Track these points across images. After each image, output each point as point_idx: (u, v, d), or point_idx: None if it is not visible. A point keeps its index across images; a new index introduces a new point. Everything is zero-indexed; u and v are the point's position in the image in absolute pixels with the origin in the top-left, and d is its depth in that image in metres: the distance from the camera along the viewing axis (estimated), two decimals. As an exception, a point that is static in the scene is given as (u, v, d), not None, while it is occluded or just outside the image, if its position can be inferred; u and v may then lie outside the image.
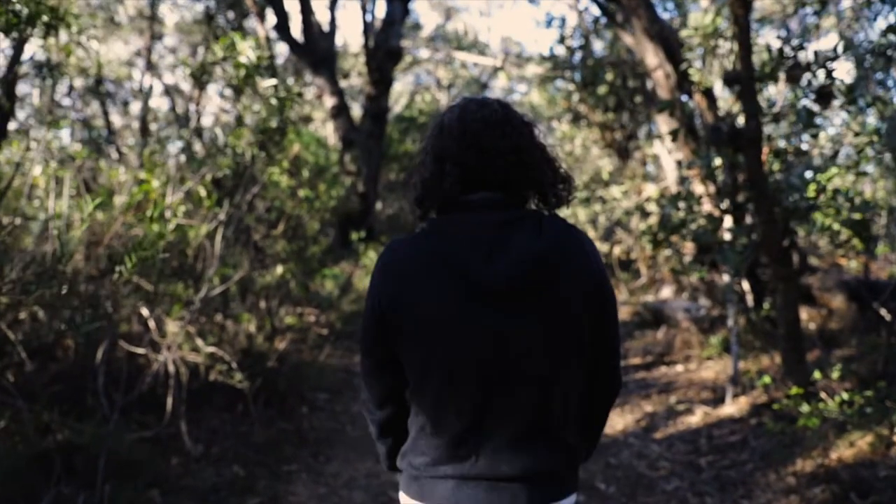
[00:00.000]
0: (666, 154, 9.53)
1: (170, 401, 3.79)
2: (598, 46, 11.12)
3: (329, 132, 15.54)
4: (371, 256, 10.15)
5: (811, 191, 4.42)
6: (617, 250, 10.76)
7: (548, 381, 1.36)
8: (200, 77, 4.56)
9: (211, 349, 3.86)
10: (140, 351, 3.81)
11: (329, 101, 12.74)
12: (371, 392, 1.48)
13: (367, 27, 13.17)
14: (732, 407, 4.93)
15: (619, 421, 4.98)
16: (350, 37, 30.64)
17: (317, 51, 12.67)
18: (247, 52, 4.20)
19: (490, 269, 1.31)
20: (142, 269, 4.95)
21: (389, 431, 1.51)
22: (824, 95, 3.81)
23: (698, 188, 6.42)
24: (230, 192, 4.47)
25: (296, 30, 12.61)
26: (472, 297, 1.32)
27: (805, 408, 3.33)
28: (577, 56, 10.92)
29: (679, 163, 9.54)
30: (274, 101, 4.71)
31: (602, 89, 10.51)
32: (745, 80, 4.11)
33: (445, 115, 1.45)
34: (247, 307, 5.30)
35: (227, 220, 5.36)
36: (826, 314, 7.17)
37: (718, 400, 5.14)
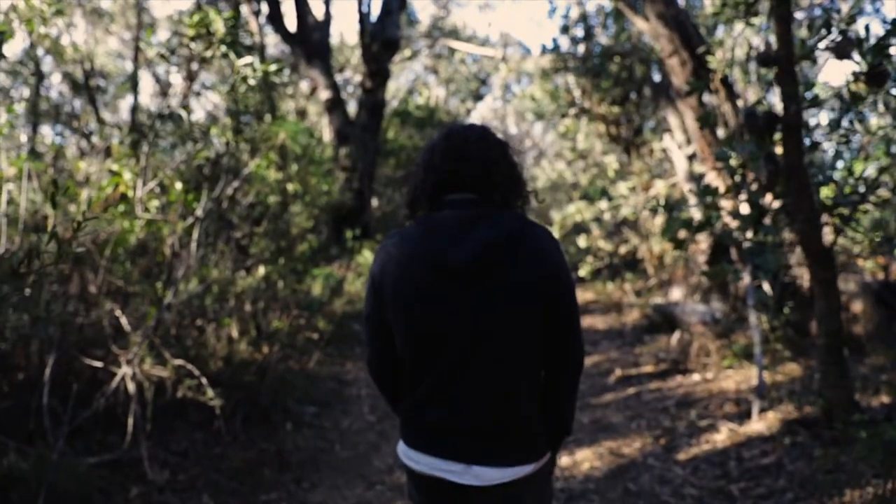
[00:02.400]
0: (676, 149, 9.09)
1: (131, 421, 3.32)
2: (603, 38, 10.66)
3: (324, 127, 15.05)
4: (366, 255, 9.68)
5: (850, 184, 3.97)
6: (623, 249, 10.30)
7: (501, 349, 1.59)
8: (170, 58, 4.09)
9: (179, 362, 3.38)
10: (97, 364, 3.33)
11: (324, 95, 12.25)
12: (371, 351, 1.75)
13: (364, 17, 12.68)
14: (760, 423, 4.47)
15: (635, 438, 4.52)
16: (347, 29, 30.17)
17: (311, 42, 12.18)
18: (219, 27, 3.73)
19: (452, 253, 1.58)
20: (110, 269, 4.51)
21: (386, 386, 1.77)
22: (877, 76, 3.36)
23: (717, 183, 5.97)
24: (206, 183, 3.99)
25: (290, 20, 12.14)
26: (438, 275, 1.58)
27: (863, 434, 2.87)
28: (582, 47, 10.47)
29: (691, 157, 9.10)
30: (252, 81, 4.24)
31: (606, 82, 10.05)
32: (783, 60, 3.65)
33: (435, 136, 1.76)
34: (227, 311, 4.83)
35: (206, 216, 4.89)
36: (850, 319, 6.71)
37: (744, 415, 4.68)
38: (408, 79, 22.03)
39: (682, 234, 4.56)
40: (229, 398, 4.02)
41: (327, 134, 12.82)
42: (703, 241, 7.56)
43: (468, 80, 21.55)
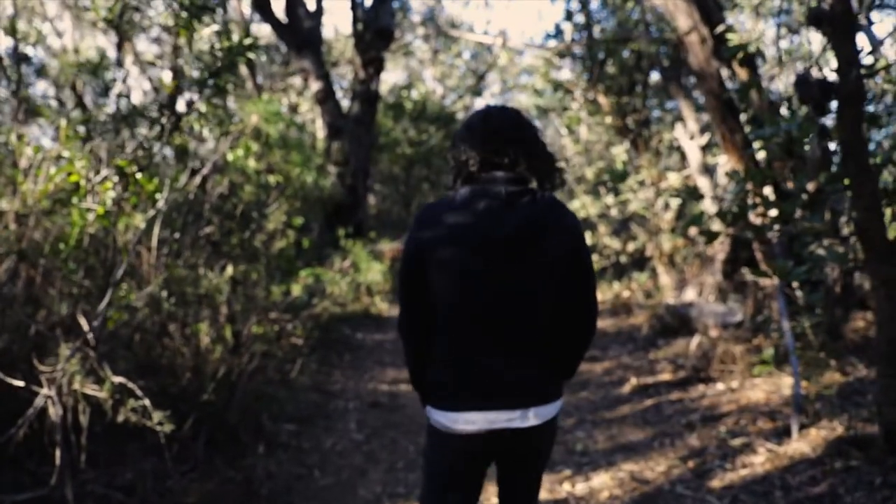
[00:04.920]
0: (688, 139, 8.52)
1: (59, 452, 2.74)
2: (610, 22, 10.09)
3: (316, 121, 14.46)
4: (360, 255, 9.11)
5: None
6: (631, 247, 9.72)
7: (539, 305, 1.87)
8: (119, 25, 3.52)
9: (119, 379, 2.80)
10: (18, 383, 2.75)
11: (315, 86, 11.67)
12: (406, 314, 1.97)
13: (356, 5, 12.11)
14: (803, 442, 3.91)
15: (659, 460, 3.95)
16: (342, 23, 29.56)
17: (301, 31, 11.59)
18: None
19: (497, 224, 1.83)
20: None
21: (417, 348, 1.98)
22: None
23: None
24: (147, 168, 3.42)
25: (279, 8, 11.56)
26: (484, 244, 1.83)
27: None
28: (585, 34, 9.90)
29: (704, 148, 8.53)
30: (219, 53, 3.67)
31: (613, 68, 9.48)
32: (840, 18, 3.09)
33: (473, 117, 1.99)
34: (194, 314, 4.24)
35: (174, 209, 4.33)
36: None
37: (781, 432, 4.11)
38: (404, 75, 21.43)
39: (716, 226, 4.00)
40: (187, 416, 3.45)
41: (320, 132, 12.24)
42: (721, 238, 6.99)
43: (465, 76, 20.96)
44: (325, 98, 11.65)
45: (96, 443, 3.30)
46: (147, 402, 2.76)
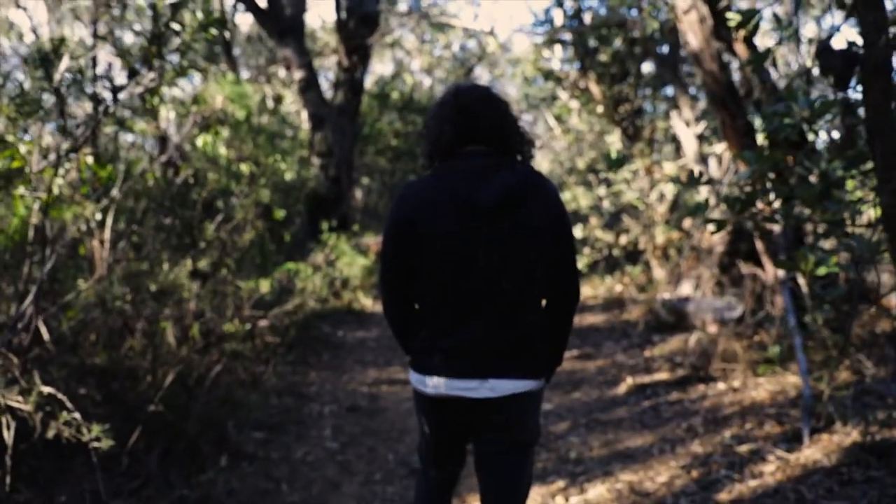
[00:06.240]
0: (684, 127, 8.21)
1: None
2: (601, 10, 9.74)
3: (304, 116, 14.04)
4: (344, 249, 8.74)
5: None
6: (623, 240, 9.40)
7: (518, 278, 1.88)
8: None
9: (48, 389, 2.44)
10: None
11: (297, 74, 11.25)
12: (387, 284, 2.00)
13: (340, -9, 11.68)
14: (815, 449, 3.59)
15: (660, 469, 3.62)
16: (328, 11, 29.02)
17: (283, 18, 11.17)
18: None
19: (479, 195, 1.84)
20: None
21: (400, 317, 2.02)
22: None
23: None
24: (77, 148, 3.04)
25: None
26: (467, 214, 1.85)
27: None
28: (576, 20, 9.55)
29: (700, 137, 8.23)
30: (177, 26, 3.30)
31: (605, 54, 9.14)
32: (865, -22, 2.75)
33: (445, 94, 2.02)
34: (152, 310, 3.88)
35: (128, 198, 3.96)
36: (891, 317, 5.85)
37: (791, 437, 3.80)
38: (391, 66, 21.01)
39: (716, 215, 3.67)
40: (141, 426, 3.09)
41: (306, 123, 11.84)
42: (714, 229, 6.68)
43: (454, 70, 20.57)
44: (308, 87, 11.25)
45: (38, 459, 2.95)
46: (77, 414, 2.40)
